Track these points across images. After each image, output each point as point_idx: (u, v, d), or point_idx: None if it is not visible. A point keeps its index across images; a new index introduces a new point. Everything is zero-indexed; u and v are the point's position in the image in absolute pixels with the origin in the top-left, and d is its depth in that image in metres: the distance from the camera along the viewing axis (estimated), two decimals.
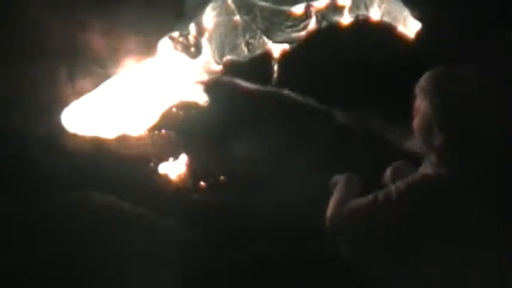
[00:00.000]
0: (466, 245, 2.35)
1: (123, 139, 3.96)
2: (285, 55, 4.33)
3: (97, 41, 4.22)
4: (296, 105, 3.85)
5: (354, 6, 4.44)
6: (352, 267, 2.70)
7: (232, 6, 4.31)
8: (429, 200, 2.40)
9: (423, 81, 2.49)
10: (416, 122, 2.54)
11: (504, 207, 2.37)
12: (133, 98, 4.03)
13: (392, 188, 2.47)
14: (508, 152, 2.43)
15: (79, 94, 4.11)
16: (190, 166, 3.74)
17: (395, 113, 2.92)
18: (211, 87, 4.16)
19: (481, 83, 2.42)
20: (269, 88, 4.07)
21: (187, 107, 4.12)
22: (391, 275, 2.52)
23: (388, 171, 2.99)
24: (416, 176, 2.50)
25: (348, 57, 4.22)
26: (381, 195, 2.47)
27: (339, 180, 2.81)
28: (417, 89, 2.51)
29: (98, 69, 4.23)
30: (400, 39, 4.41)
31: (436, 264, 2.39)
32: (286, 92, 3.99)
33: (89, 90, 4.10)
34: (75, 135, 3.92)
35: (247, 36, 4.30)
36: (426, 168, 2.50)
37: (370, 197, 2.52)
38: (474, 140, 2.39)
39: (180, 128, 4.04)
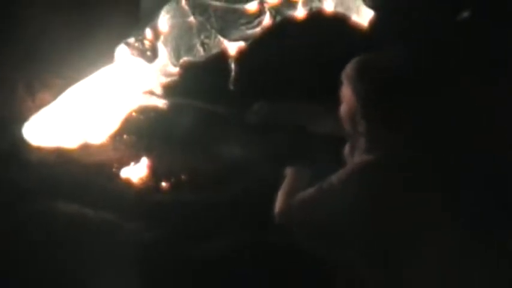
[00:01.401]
0: (408, 223, 2.40)
1: (85, 147, 3.97)
2: (241, 53, 4.36)
3: (54, 51, 4.24)
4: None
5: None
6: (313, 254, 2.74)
7: (186, 7, 4.33)
8: (366, 184, 2.46)
9: (348, 68, 2.55)
10: (342, 109, 2.59)
11: (436, 186, 2.43)
12: (93, 106, 4.04)
13: (333, 177, 2.51)
14: (429, 134, 2.51)
15: (39, 106, 4.12)
16: (152, 168, 3.75)
17: None
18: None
19: (401, 70, 2.49)
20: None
21: (146, 111, 4.14)
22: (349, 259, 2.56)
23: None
24: (352, 164, 2.54)
25: (304, 50, 4.25)
26: (324, 185, 2.51)
27: (290, 172, 2.85)
28: (343, 76, 2.57)
29: (56, 79, 4.25)
30: (354, 28, 4.45)
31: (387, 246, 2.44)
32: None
33: (49, 101, 4.11)
34: (38, 148, 3.92)
35: (202, 36, 4.33)
36: (358, 155, 2.55)
37: (314, 188, 2.58)
38: (394, 125, 2.44)
39: (141, 132, 4.05)
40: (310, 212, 2.58)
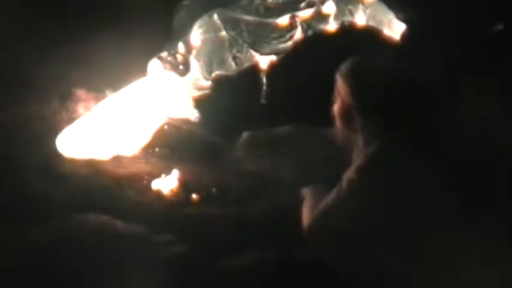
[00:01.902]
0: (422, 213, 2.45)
1: (117, 159, 4.01)
2: (273, 66, 4.38)
3: (87, 65, 4.31)
4: None
5: (339, 13, 4.49)
6: (341, 270, 2.72)
7: (218, 22, 4.38)
8: (375, 179, 2.50)
9: (343, 67, 2.59)
10: (336, 107, 2.65)
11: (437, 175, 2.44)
12: (125, 119, 4.09)
13: (343, 180, 2.60)
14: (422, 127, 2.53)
15: (72, 119, 4.19)
16: (183, 181, 3.77)
17: None
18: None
19: (394, 70, 2.51)
20: None
21: (178, 124, 4.17)
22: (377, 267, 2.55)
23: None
24: (355, 163, 2.58)
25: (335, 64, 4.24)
26: (337, 190, 2.60)
27: (306, 191, 2.87)
28: (338, 75, 2.63)
29: (90, 93, 4.31)
30: (387, 42, 4.44)
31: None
32: None
33: (82, 115, 4.18)
34: (71, 160, 3.98)
35: (234, 51, 4.36)
36: (356, 152, 2.57)
37: (329, 196, 2.65)
38: (390, 121, 2.51)
39: (172, 145, 4.08)
40: (334, 218, 2.62)
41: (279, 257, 3.17)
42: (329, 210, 2.63)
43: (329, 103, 3.98)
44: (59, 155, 3.99)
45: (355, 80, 2.58)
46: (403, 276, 2.50)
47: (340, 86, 2.63)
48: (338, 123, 2.70)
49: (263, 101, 4.36)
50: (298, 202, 3.37)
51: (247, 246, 3.26)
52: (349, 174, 2.58)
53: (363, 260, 2.62)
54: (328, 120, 3.73)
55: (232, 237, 3.38)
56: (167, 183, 3.76)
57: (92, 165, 3.94)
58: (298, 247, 3.17)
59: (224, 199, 3.70)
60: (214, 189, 3.76)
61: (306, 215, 2.76)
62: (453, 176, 2.51)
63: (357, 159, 2.62)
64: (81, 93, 4.33)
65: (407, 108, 2.54)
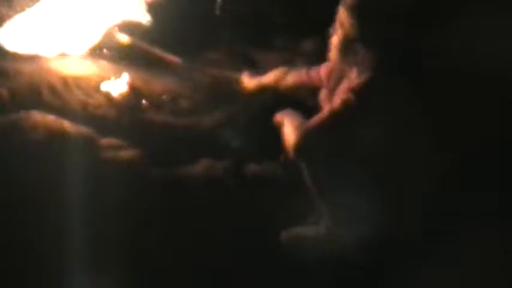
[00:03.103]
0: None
1: (64, 58, 3.86)
2: None
3: None
4: None
5: None
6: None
7: None
8: (369, 100, 2.54)
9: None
10: (335, 39, 2.67)
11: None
12: (74, 16, 3.91)
13: (335, 101, 2.59)
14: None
15: (17, 12, 3.98)
16: (133, 85, 3.68)
17: None
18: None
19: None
20: None
21: (130, 27, 4.03)
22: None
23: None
24: (351, 86, 2.56)
25: None
26: (336, 104, 2.55)
27: (284, 115, 2.83)
28: (342, 7, 2.63)
29: None
30: None
31: None
32: None
33: (28, 7, 3.97)
34: (14, 54, 3.80)
35: None
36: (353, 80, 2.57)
37: (319, 115, 2.63)
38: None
39: (122, 48, 3.95)
40: (324, 135, 2.61)
41: (230, 169, 3.16)
42: (320, 127, 2.61)
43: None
44: (2, 49, 3.79)
45: (362, 12, 2.56)
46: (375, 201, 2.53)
47: (344, 18, 2.60)
48: (334, 55, 2.68)
49: (217, 11, 4.25)
50: (252, 116, 3.39)
51: (197, 156, 3.24)
52: (343, 94, 2.57)
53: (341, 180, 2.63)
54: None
55: (182, 146, 3.35)
56: (116, 87, 3.65)
57: (37, 62, 3.77)
58: (249, 160, 3.21)
59: (176, 108, 3.64)
60: (165, 97, 3.69)
61: (291, 132, 2.69)
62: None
63: (349, 84, 2.59)
64: None
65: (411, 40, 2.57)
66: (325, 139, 2.60)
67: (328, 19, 2.82)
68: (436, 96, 2.60)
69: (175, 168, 3.18)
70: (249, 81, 3.38)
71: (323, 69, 2.87)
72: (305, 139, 2.63)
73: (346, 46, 2.63)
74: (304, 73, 3.04)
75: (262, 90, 3.32)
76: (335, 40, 2.70)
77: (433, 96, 2.59)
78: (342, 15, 2.64)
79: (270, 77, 3.24)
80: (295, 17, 4.13)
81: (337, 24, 2.67)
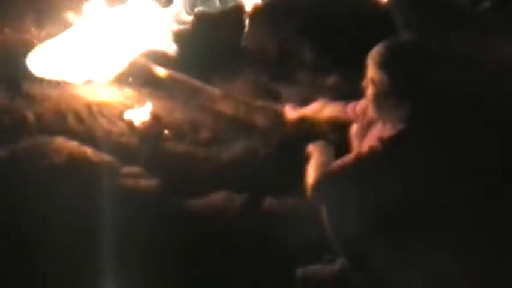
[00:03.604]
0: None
1: (90, 85, 3.93)
2: (257, 9, 4.32)
3: None
4: None
5: None
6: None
7: None
8: (396, 154, 2.48)
9: (375, 54, 2.54)
10: (369, 93, 2.59)
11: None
12: (101, 44, 3.99)
13: (362, 149, 2.54)
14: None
15: (47, 38, 4.07)
16: (155, 114, 3.73)
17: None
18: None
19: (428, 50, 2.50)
20: None
21: (155, 56, 4.09)
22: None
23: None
24: (379, 138, 2.53)
25: (319, 13, 4.22)
26: (364, 150, 2.53)
27: (314, 149, 2.82)
28: (370, 59, 2.56)
29: (68, 14, 4.19)
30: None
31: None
32: None
33: (57, 35, 4.06)
34: (41, 80, 3.88)
35: None
36: (385, 129, 2.54)
37: (343, 159, 2.59)
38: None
39: (148, 77, 4.01)
40: (344, 180, 2.56)
41: (246, 201, 3.17)
42: (341, 171, 2.57)
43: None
44: (30, 74, 3.87)
45: (389, 68, 2.50)
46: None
47: (374, 74, 2.53)
48: (371, 110, 2.60)
49: (243, 42, 4.31)
50: (272, 149, 3.42)
51: (215, 187, 3.26)
52: (372, 142, 2.52)
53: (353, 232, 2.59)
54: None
55: (201, 176, 3.37)
56: (139, 115, 3.70)
57: (63, 88, 3.84)
58: (266, 193, 3.22)
59: (196, 138, 3.67)
60: (186, 127, 3.73)
61: (313, 170, 2.66)
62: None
63: (380, 132, 2.55)
64: (58, 13, 4.19)
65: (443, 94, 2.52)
66: (345, 184, 2.56)
67: (350, 55, 2.83)
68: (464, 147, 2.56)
69: (193, 199, 3.20)
70: (291, 112, 3.41)
71: (359, 105, 2.86)
72: (323, 181, 2.60)
73: (379, 100, 2.56)
74: (340, 107, 3.04)
75: (303, 121, 3.35)
76: (369, 93, 2.62)
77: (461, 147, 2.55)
78: (371, 71, 2.57)
79: (310, 109, 3.27)
80: (318, 52, 4.17)
81: (367, 79, 2.61)
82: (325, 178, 2.61)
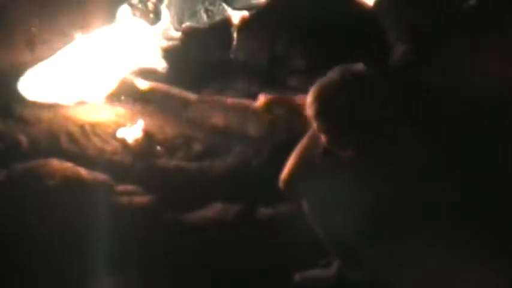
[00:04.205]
0: None
1: (81, 106, 3.97)
2: (244, 22, 4.34)
3: (56, 7, 4.22)
4: None
5: None
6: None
7: None
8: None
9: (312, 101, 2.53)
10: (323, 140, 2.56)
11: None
12: (91, 65, 4.03)
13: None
14: None
15: (38, 61, 4.10)
16: (148, 131, 3.76)
17: None
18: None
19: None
20: None
21: (145, 74, 4.13)
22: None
23: None
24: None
25: (306, 23, 4.23)
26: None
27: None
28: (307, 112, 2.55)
29: (57, 36, 4.22)
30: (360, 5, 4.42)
31: None
32: None
33: (48, 57, 4.09)
34: (34, 103, 3.91)
35: (207, 3, 4.32)
36: None
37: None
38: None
39: (138, 95, 4.05)
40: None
41: (241, 213, 3.20)
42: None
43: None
44: (22, 98, 3.90)
45: (325, 119, 2.49)
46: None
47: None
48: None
49: (232, 55, 4.33)
50: (263, 159, 3.44)
51: (209, 200, 3.29)
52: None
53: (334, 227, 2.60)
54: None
55: (195, 190, 3.40)
56: (132, 133, 3.73)
57: (55, 110, 3.87)
58: (260, 204, 3.24)
59: (188, 152, 3.70)
60: (178, 142, 3.76)
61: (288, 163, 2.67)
62: None
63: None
64: (47, 35, 4.22)
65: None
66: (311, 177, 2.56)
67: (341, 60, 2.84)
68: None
69: (189, 212, 3.22)
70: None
71: None
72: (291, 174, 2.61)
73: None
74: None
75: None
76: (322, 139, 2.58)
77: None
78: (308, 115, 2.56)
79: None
80: (308, 58, 4.18)
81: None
82: (295, 172, 2.60)
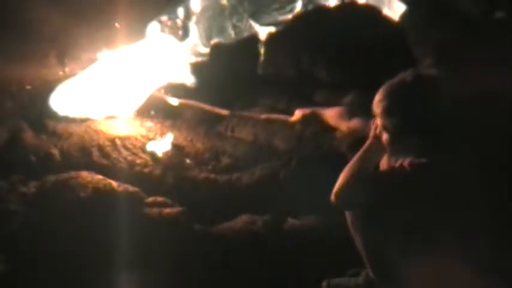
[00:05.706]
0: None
1: (112, 120, 4.03)
2: (271, 37, 4.40)
3: (86, 25, 4.30)
4: None
5: None
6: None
7: None
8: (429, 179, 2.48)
9: (379, 102, 2.53)
10: (386, 138, 2.58)
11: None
12: (122, 80, 4.09)
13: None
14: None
15: (69, 78, 4.18)
16: (177, 145, 3.81)
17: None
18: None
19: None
20: None
21: (175, 89, 4.19)
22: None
23: None
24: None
25: (333, 39, 4.27)
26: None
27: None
28: (376, 110, 2.55)
29: (88, 52, 4.31)
30: (385, 21, 4.46)
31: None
32: None
33: (79, 73, 4.17)
34: (65, 118, 3.98)
35: (234, 20, 4.38)
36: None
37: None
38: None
39: (168, 109, 4.11)
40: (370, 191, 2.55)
41: (269, 224, 3.22)
42: (372, 180, 2.59)
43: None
44: (54, 113, 3.98)
45: (397, 114, 2.50)
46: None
47: (384, 122, 2.54)
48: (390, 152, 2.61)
49: (259, 71, 4.38)
50: (291, 172, 3.46)
51: (237, 212, 3.32)
52: (402, 164, 2.50)
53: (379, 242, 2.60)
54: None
55: (223, 202, 3.43)
56: (161, 146, 3.78)
57: (86, 124, 3.94)
58: (288, 216, 3.26)
59: (217, 165, 3.74)
60: (207, 155, 3.80)
61: (342, 176, 2.63)
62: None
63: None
64: (79, 51, 4.31)
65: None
66: (369, 191, 2.56)
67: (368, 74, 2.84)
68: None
69: (217, 224, 3.25)
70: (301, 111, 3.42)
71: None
72: (347, 187, 2.58)
73: (396, 142, 2.56)
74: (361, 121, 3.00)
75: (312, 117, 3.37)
76: (385, 139, 2.59)
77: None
78: (380, 120, 2.56)
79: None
80: (334, 73, 4.22)
81: (379, 127, 2.60)
82: (349, 184, 2.58)
